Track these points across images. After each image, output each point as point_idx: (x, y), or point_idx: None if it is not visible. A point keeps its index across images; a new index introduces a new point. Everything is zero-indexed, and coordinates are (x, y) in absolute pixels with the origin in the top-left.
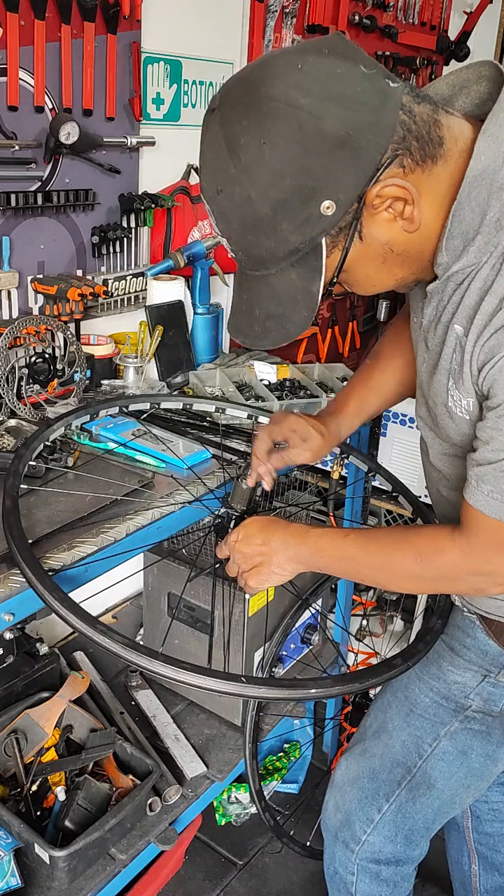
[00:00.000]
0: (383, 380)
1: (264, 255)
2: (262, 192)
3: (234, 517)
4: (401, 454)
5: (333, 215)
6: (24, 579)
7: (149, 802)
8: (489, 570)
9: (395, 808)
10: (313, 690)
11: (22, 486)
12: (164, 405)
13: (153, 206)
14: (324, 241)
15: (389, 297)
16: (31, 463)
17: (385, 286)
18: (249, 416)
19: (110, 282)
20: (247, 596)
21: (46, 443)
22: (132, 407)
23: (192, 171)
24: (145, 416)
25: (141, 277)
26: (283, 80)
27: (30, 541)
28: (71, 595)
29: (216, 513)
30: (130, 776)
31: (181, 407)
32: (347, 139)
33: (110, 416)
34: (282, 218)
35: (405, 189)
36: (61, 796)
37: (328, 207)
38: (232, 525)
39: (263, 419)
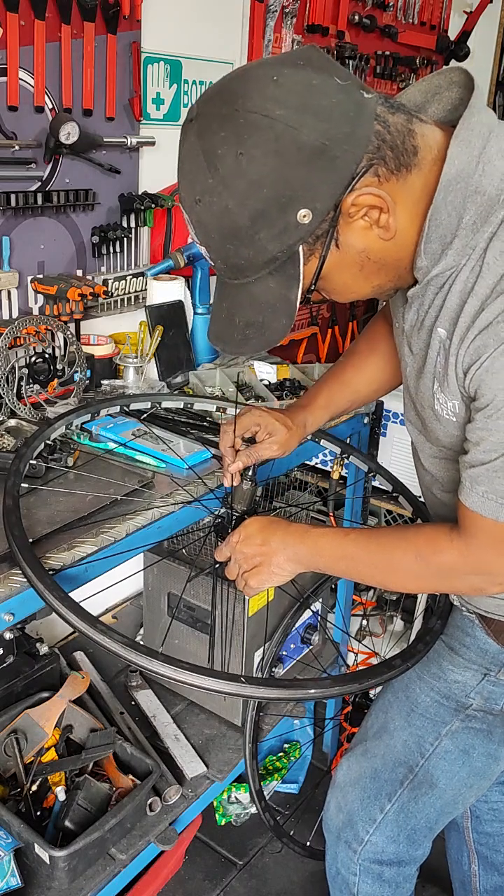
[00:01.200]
0: (356, 376)
1: (243, 264)
2: (239, 202)
3: (234, 517)
4: (401, 454)
5: (310, 224)
6: (24, 579)
7: (149, 802)
8: (488, 570)
9: (398, 808)
10: (313, 691)
11: (23, 485)
12: (164, 404)
13: (153, 206)
14: (301, 249)
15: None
16: (31, 462)
17: (363, 294)
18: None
19: (110, 282)
20: (247, 596)
21: (47, 442)
22: (133, 406)
23: None
24: (145, 415)
25: (141, 277)
26: (259, 92)
27: (30, 540)
28: (71, 595)
29: (216, 513)
30: (130, 776)
31: (181, 406)
32: (323, 149)
33: (110, 415)
34: (259, 227)
35: (380, 198)
36: (61, 796)
37: (305, 216)
38: (232, 525)
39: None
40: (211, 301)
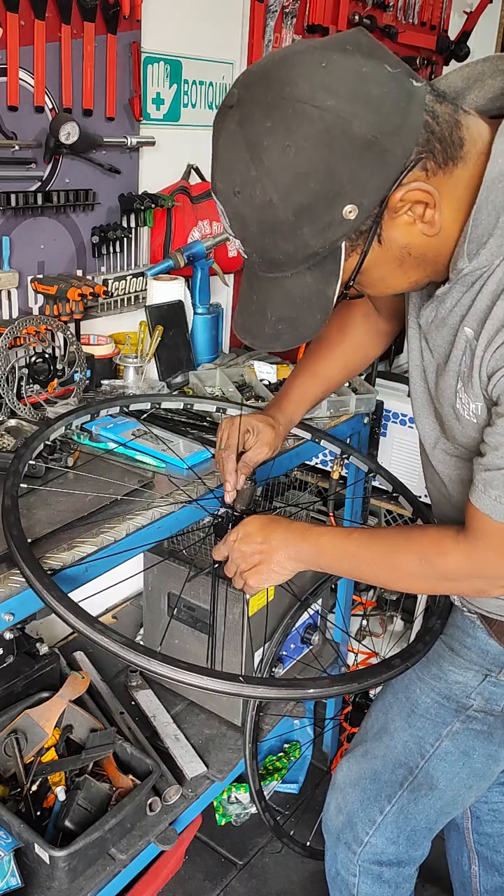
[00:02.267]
0: (327, 366)
1: (281, 259)
2: (284, 195)
3: (233, 517)
4: (401, 454)
5: (356, 219)
6: (23, 579)
7: (149, 802)
8: (492, 573)
9: (398, 809)
10: (311, 690)
11: (22, 485)
12: (164, 405)
13: (153, 206)
14: (343, 244)
15: None
16: (30, 462)
17: (399, 288)
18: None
19: (110, 282)
20: (247, 596)
21: (46, 442)
22: (133, 406)
23: (192, 171)
24: (145, 415)
25: (141, 277)
26: (307, 79)
27: (30, 540)
28: (71, 595)
29: (216, 512)
30: (130, 776)
31: (181, 407)
32: (374, 142)
33: (110, 415)
34: (303, 222)
35: (428, 193)
36: (61, 796)
37: (350, 212)
38: (231, 525)
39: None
40: (211, 301)
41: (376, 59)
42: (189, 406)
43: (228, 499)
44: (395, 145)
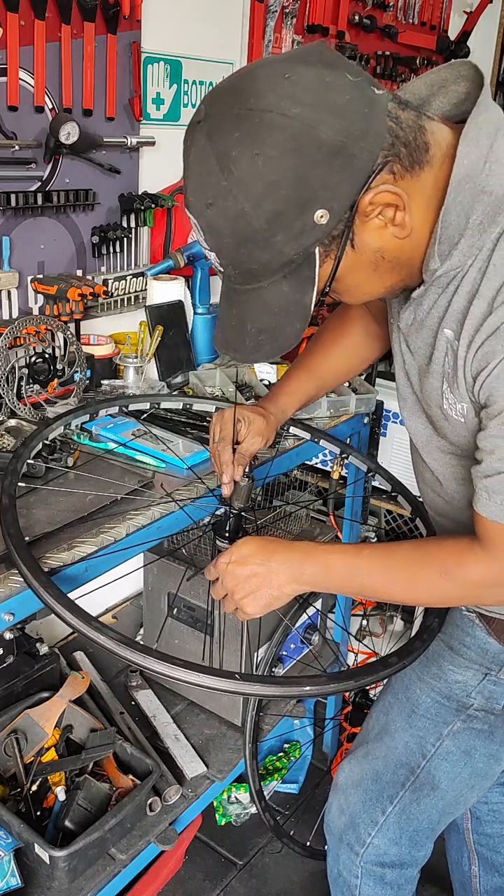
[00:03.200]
0: (322, 364)
1: (257, 269)
2: (256, 204)
3: (231, 515)
4: (401, 454)
5: (327, 224)
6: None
7: (149, 802)
8: None
9: (399, 810)
10: (308, 688)
11: (22, 485)
12: (164, 405)
13: (153, 206)
14: (317, 250)
15: None
16: (29, 462)
17: (375, 294)
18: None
19: (110, 282)
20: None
21: (45, 442)
22: (132, 407)
23: None
24: (145, 416)
25: (141, 277)
26: (273, 90)
27: (30, 540)
28: (71, 594)
29: (214, 511)
30: (130, 776)
31: (181, 407)
32: (341, 147)
33: (110, 415)
34: (276, 230)
35: (397, 195)
36: (61, 796)
37: (322, 216)
38: (229, 523)
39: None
40: (211, 301)
41: (338, 69)
42: (188, 406)
43: (226, 491)
44: (362, 150)
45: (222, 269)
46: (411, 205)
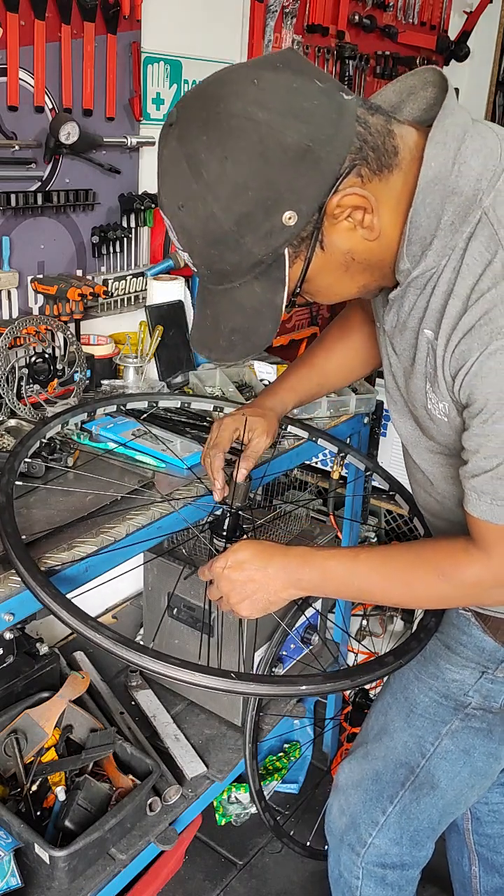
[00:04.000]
0: (325, 361)
1: (228, 269)
2: (225, 206)
3: (229, 514)
4: (401, 454)
5: (295, 226)
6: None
7: (149, 802)
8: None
9: (400, 810)
10: (304, 687)
11: (22, 485)
12: (162, 404)
13: (153, 206)
14: (286, 251)
15: None
16: (27, 460)
17: (348, 294)
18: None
19: (110, 282)
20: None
21: (44, 441)
22: (129, 405)
23: None
24: (145, 416)
25: (141, 277)
26: (240, 95)
27: (30, 540)
28: (71, 594)
29: (212, 510)
30: (130, 776)
31: (179, 405)
32: (307, 151)
33: (110, 415)
34: (245, 231)
35: (364, 198)
36: (61, 796)
37: (290, 218)
38: (227, 522)
39: (292, 428)
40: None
41: (306, 75)
42: (186, 404)
43: (217, 497)
44: (329, 153)
45: (196, 270)
46: (380, 207)
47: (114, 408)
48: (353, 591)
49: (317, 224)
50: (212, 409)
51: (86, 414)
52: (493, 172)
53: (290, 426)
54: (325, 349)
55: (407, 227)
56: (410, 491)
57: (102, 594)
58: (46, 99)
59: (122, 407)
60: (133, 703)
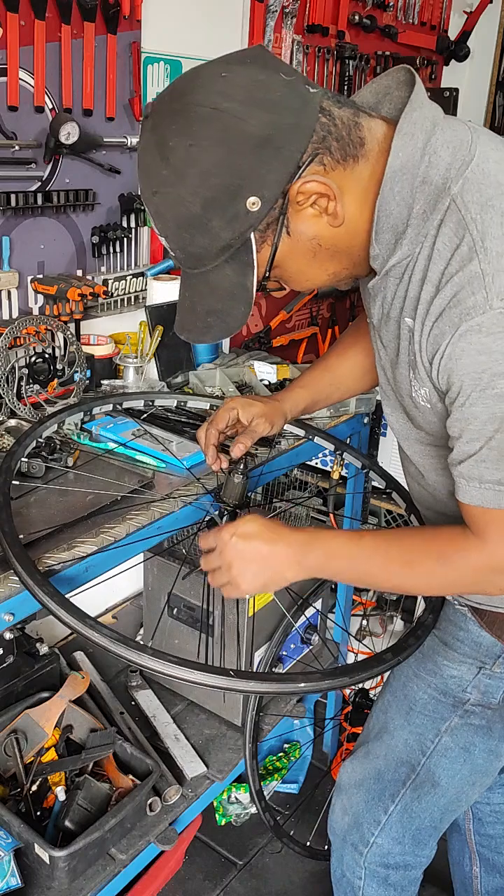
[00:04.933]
0: (339, 363)
1: (199, 252)
2: (192, 190)
3: (225, 512)
4: None
5: (259, 211)
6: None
7: (149, 802)
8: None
9: (402, 808)
10: (302, 684)
11: (22, 484)
12: (158, 402)
13: None
14: (252, 236)
15: None
16: (26, 460)
17: (319, 281)
18: None
19: (110, 282)
20: (246, 596)
21: (40, 440)
22: (126, 404)
23: None
24: (145, 416)
25: (141, 277)
26: (208, 87)
27: (29, 539)
28: (71, 594)
29: (209, 508)
30: (130, 776)
31: (175, 404)
32: (269, 139)
33: (110, 415)
34: (212, 215)
35: (326, 185)
36: (61, 796)
37: (254, 204)
38: (224, 521)
39: (290, 427)
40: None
41: (271, 69)
42: (182, 403)
43: (210, 461)
44: (290, 142)
45: (173, 254)
46: (344, 195)
47: (111, 407)
48: (355, 574)
49: (282, 210)
50: (208, 407)
51: (82, 413)
52: (461, 162)
53: (286, 424)
54: (338, 353)
55: (376, 215)
56: (406, 485)
57: (102, 594)
58: (46, 99)
59: (118, 406)
60: (133, 703)
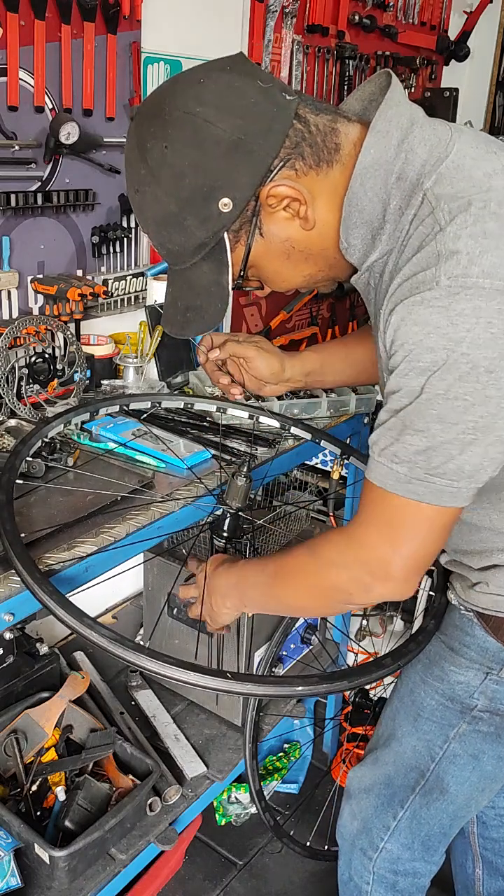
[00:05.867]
0: (357, 344)
1: (177, 250)
2: (167, 190)
3: (229, 514)
4: None
5: (231, 212)
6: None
7: (149, 802)
8: (367, 557)
9: (410, 815)
10: (300, 688)
11: (22, 484)
12: (164, 404)
13: None
14: (226, 235)
15: None
16: (29, 460)
17: (295, 282)
18: (250, 417)
19: (110, 282)
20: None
21: (45, 440)
22: (133, 406)
23: None
24: (145, 415)
25: (141, 277)
26: (185, 92)
27: (30, 539)
28: (71, 594)
29: (212, 510)
30: (130, 776)
31: (182, 406)
32: (240, 143)
33: (110, 415)
34: (186, 214)
35: (296, 190)
36: (61, 796)
37: (226, 205)
38: (227, 522)
39: (265, 419)
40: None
41: (248, 76)
42: (189, 405)
43: (227, 386)
44: (261, 147)
45: (157, 251)
46: (317, 200)
47: (116, 408)
48: (258, 588)
49: (254, 212)
50: (214, 409)
51: (88, 414)
52: (437, 158)
53: (293, 427)
54: (358, 335)
55: (344, 209)
56: None
57: (102, 594)
58: (46, 99)
59: (125, 407)
60: (133, 703)
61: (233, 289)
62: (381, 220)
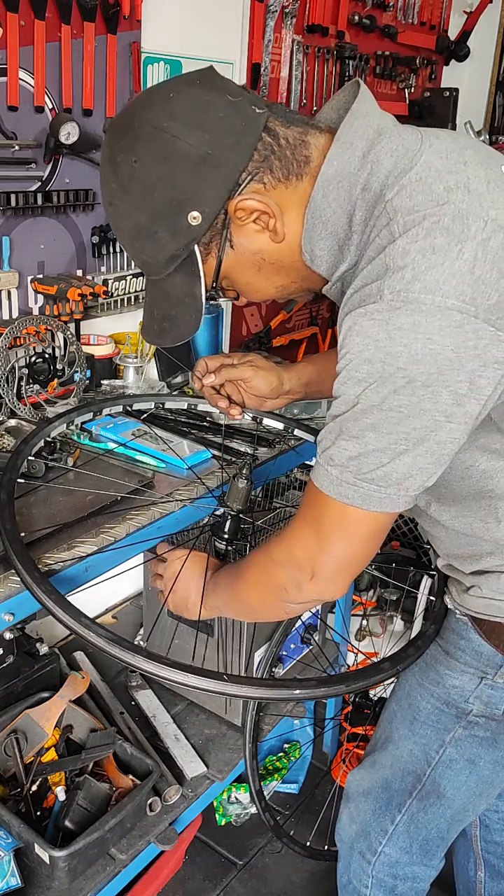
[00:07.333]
0: None
1: (150, 261)
2: (138, 203)
3: (229, 516)
4: None
5: (200, 225)
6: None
7: (149, 802)
8: (302, 554)
9: (408, 819)
10: (297, 691)
11: (23, 483)
12: (168, 405)
13: None
14: (196, 248)
15: None
16: (31, 459)
17: (268, 294)
18: (253, 418)
19: (110, 282)
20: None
21: (47, 439)
22: (136, 406)
23: None
24: (145, 415)
25: (141, 277)
26: (154, 107)
27: (30, 539)
28: (71, 594)
29: (214, 512)
30: (130, 776)
31: (185, 407)
32: (207, 157)
33: (110, 415)
34: (157, 227)
35: (264, 203)
36: (61, 796)
37: (195, 218)
38: (228, 524)
39: (268, 421)
40: (211, 302)
41: (218, 90)
42: (193, 406)
43: (223, 406)
44: (228, 160)
45: (135, 262)
46: (286, 213)
47: (121, 408)
48: (236, 602)
49: (224, 225)
50: (218, 412)
51: (91, 413)
52: (401, 170)
53: (296, 429)
54: None
55: (305, 219)
56: None
57: (102, 594)
58: (46, 99)
59: (128, 408)
60: (133, 703)
61: (208, 299)
62: (348, 230)
